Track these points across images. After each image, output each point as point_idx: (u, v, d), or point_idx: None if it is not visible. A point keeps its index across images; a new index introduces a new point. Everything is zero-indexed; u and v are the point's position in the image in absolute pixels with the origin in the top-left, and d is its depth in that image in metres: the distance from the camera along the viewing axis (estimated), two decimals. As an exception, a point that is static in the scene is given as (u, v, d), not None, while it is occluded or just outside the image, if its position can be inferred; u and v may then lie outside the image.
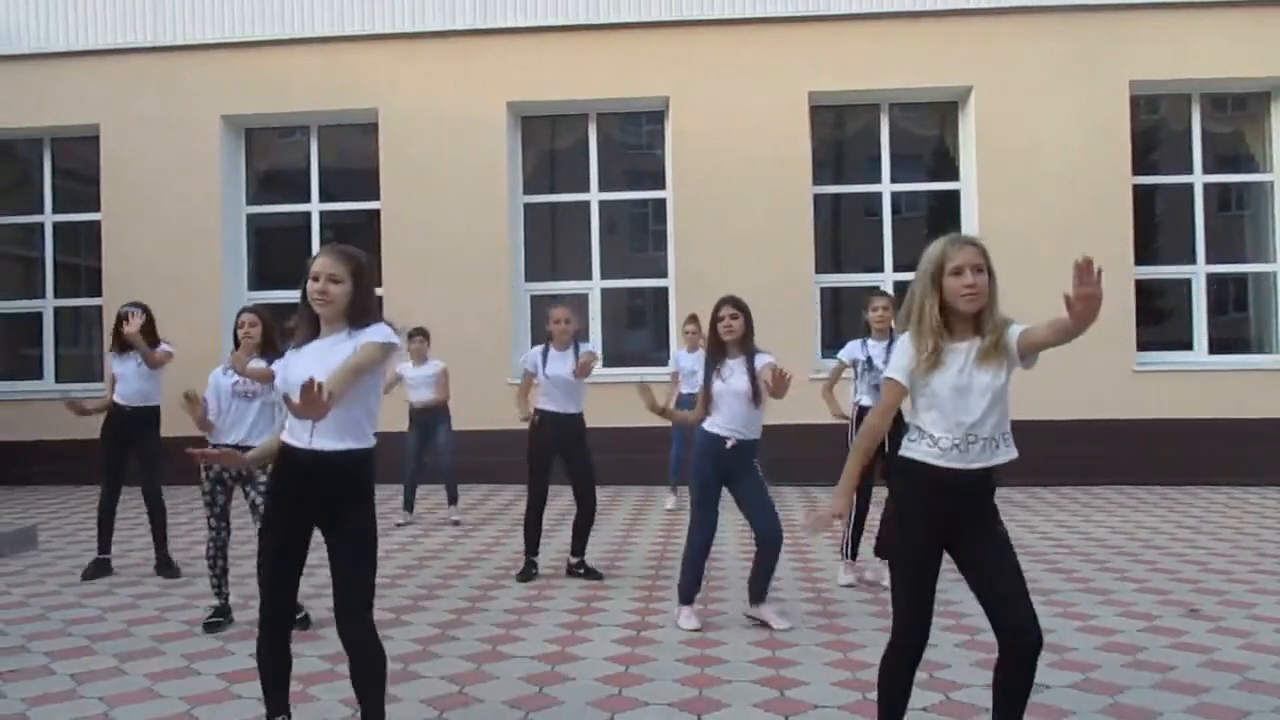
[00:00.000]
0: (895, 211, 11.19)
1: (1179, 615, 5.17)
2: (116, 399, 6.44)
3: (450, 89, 10.93)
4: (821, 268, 10.95)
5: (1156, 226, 11.11)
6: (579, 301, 11.04)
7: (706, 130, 10.75)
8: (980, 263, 2.81)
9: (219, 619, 5.09)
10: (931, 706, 3.81)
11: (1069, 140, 10.46)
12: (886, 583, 3.44)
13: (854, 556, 6.03)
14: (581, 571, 6.20)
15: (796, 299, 10.50)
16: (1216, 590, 5.72)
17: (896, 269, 10.98)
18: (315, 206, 11.66)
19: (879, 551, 5.78)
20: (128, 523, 7.80)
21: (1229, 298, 11.23)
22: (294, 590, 3.27)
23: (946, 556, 2.93)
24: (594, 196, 11.38)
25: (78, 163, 11.90)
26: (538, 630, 5.00)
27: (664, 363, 11.02)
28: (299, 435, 3.06)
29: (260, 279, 11.76)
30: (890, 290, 10.45)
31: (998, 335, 2.81)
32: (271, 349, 5.15)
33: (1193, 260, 10.88)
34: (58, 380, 11.77)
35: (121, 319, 6.30)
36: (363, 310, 3.13)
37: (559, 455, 6.20)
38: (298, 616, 4.90)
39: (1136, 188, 10.61)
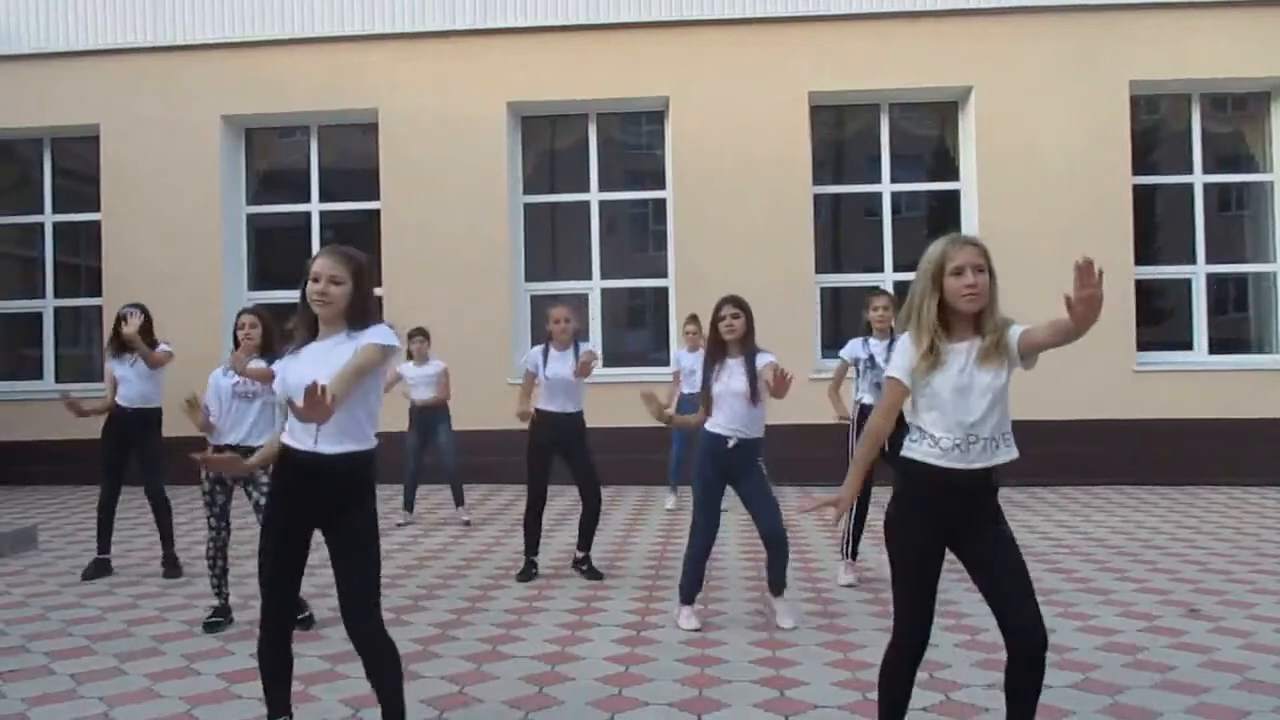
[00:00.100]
0: (895, 211, 11.19)
1: (1179, 615, 5.17)
2: (118, 400, 6.44)
3: (450, 89, 10.94)
4: (821, 268, 10.95)
5: (1156, 226, 11.11)
6: (579, 301, 11.05)
7: (706, 130, 10.75)
8: (981, 263, 2.82)
9: (219, 619, 5.10)
10: (932, 707, 3.81)
11: (1069, 140, 10.46)
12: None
13: (854, 556, 6.03)
14: (584, 568, 6.20)
15: (796, 299, 10.50)
16: (1216, 590, 5.72)
17: (896, 269, 10.98)
18: (315, 206, 11.66)
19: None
20: (127, 523, 7.82)
21: (1229, 298, 11.23)
22: (295, 590, 3.27)
23: (951, 557, 2.93)
24: (594, 196, 11.38)
25: (78, 163, 11.90)
26: (538, 630, 5.00)
27: (664, 363, 11.03)
28: (301, 438, 3.05)
29: (260, 279, 11.75)
30: (890, 290, 10.47)
31: (998, 335, 2.81)
32: (271, 350, 5.15)
33: (1193, 260, 10.88)
34: (58, 380, 11.76)
35: (120, 320, 6.30)
36: (363, 311, 3.13)
37: (559, 455, 6.20)
38: (301, 616, 4.91)
39: (1136, 188, 10.61)
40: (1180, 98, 10.99)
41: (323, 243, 11.57)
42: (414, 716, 3.79)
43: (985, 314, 2.84)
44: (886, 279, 10.91)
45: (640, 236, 11.91)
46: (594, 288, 11.32)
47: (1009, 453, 2.87)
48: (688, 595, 5.09)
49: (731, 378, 4.98)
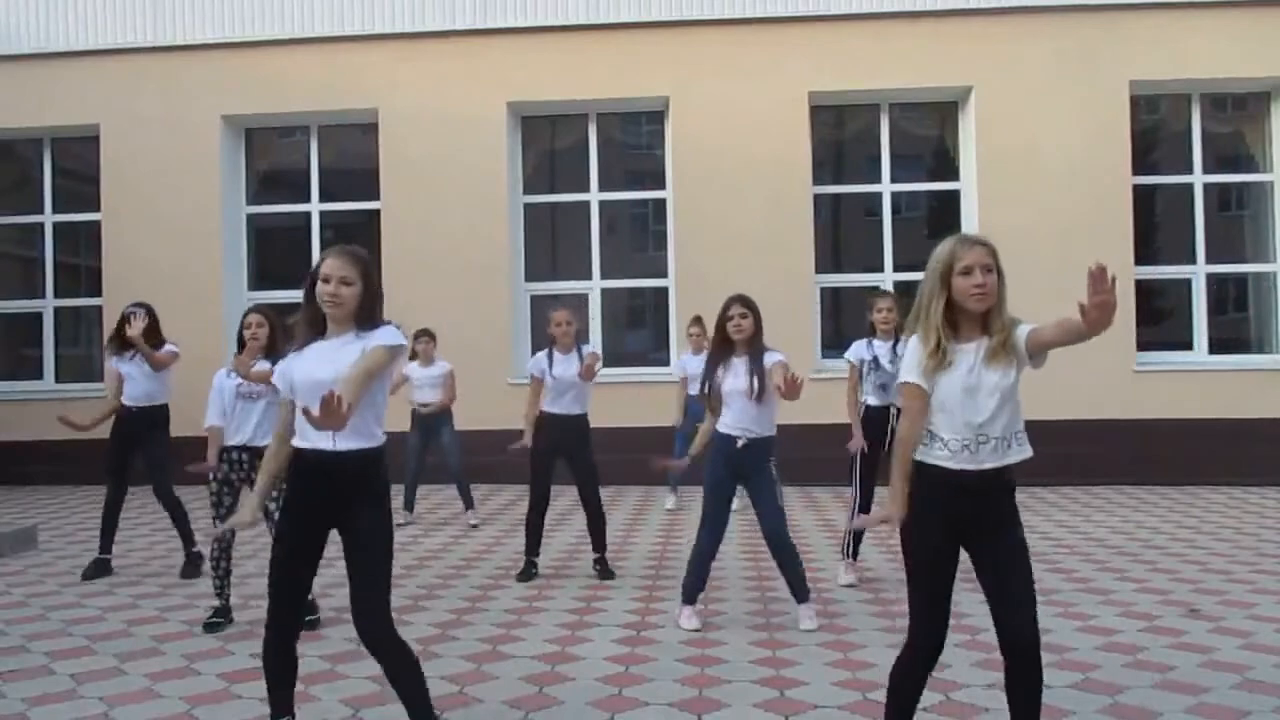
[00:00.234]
0: (895, 211, 11.19)
1: (1179, 615, 5.17)
2: (124, 400, 6.44)
3: (450, 89, 10.94)
4: (821, 268, 10.95)
5: (1156, 226, 11.11)
6: (579, 302, 11.05)
7: (706, 130, 10.75)
8: (989, 263, 2.81)
9: (219, 619, 5.10)
10: (932, 707, 3.81)
11: (1069, 140, 10.46)
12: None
13: (855, 556, 6.03)
14: (598, 568, 6.22)
15: (796, 299, 10.50)
16: (1216, 590, 5.72)
17: (896, 269, 10.99)
18: (315, 206, 11.66)
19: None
20: (128, 522, 7.81)
21: (1229, 298, 11.23)
22: (305, 593, 3.25)
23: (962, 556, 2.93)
24: (594, 196, 11.38)
25: (78, 163, 11.90)
26: (538, 630, 5.00)
27: (664, 363, 11.04)
28: (314, 439, 3.04)
29: (260, 279, 11.75)
30: (891, 289, 10.47)
31: (1005, 335, 2.81)
32: (275, 349, 5.12)
33: (1193, 260, 10.88)
34: (58, 380, 11.78)
35: (124, 319, 6.29)
36: (371, 312, 3.15)
37: (563, 457, 6.20)
38: (310, 618, 4.90)
39: (1136, 188, 10.61)
40: (1180, 98, 10.99)
41: (323, 243, 11.57)
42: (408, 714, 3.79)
43: (993, 314, 2.84)
44: (886, 279, 10.92)
45: (640, 236, 11.91)
46: (594, 288, 11.32)
47: (1021, 452, 2.87)
48: (689, 595, 5.09)
49: (736, 377, 4.97)
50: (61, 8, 11.40)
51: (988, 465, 2.82)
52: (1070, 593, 5.68)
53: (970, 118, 10.77)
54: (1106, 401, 10.13)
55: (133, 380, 6.38)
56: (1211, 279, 10.92)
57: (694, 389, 8.28)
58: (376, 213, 11.18)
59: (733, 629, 4.98)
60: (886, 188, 11.16)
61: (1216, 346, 10.83)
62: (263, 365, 5.05)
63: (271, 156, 12.04)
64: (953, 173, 11.10)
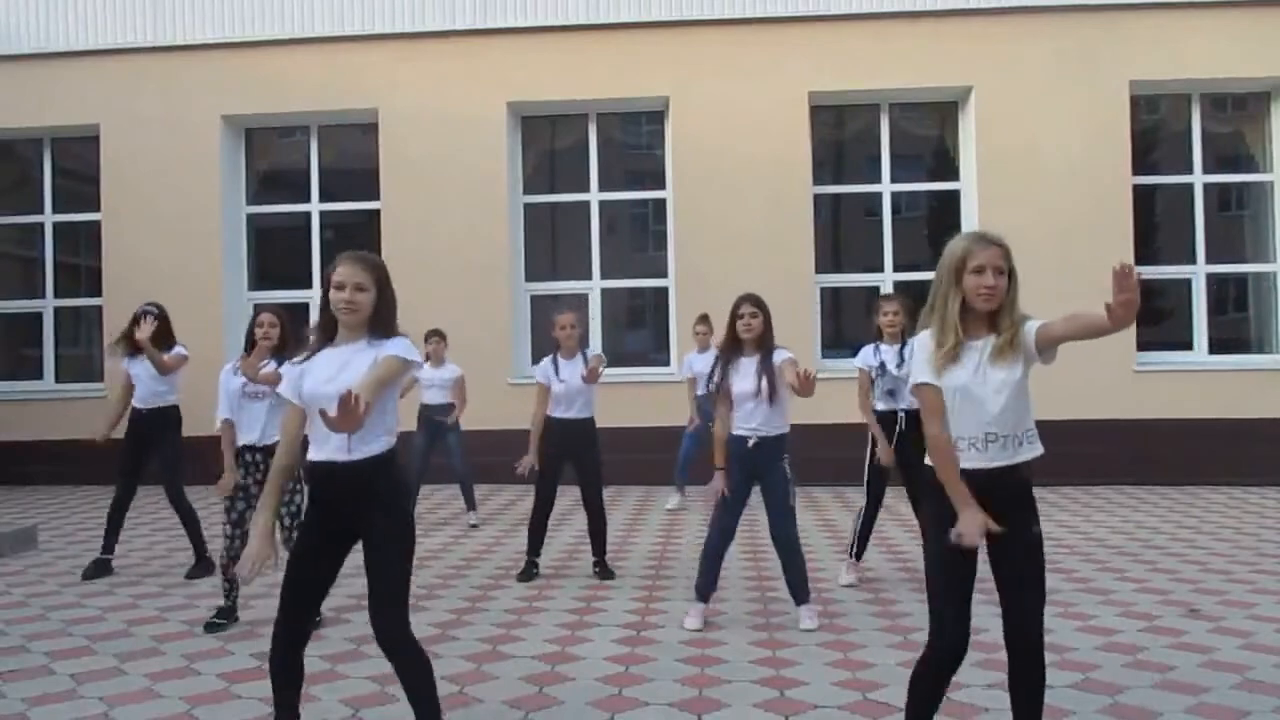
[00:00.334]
0: (895, 211, 11.19)
1: (1179, 615, 5.17)
2: (134, 402, 6.45)
3: (450, 89, 10.94)
4: (821, 268, 10.95)
5: (1156, 226, 11.11)
6: (579, 302, 11.05)
7: (706, 130, 10.75)
8: (1002, 264, 2.81)
9: (222, 620, 5.08)
10: (931, 706, 3.80)
11: (1069, 140, 10.46)
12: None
13: (858, 557, 6.02)
14: (598, 570, 6.22)
15: (796, 299, 10.49)
16: (1216, 590, 5.72)
17: (896, 269, 10.99)
18: (315, 206, 11.66)
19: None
20: (129, 522, 7.78)
21: (1229, 298, 11.23)
22: (316, 604, 3.23)
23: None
24: (594, 196, 11.38)
25: (78, 163, 11.90)
26: (538, 630, 5.00)
27: (664, 363, 11.04)
28: (330, 451, 3.04)
29: (260, 279, 11.75)
30: (891, 289, 10.48)
31: (1013, 332, 2.81)
32: (283, 350, 5.11)
33: (1193, 260, 10.88)
34: (58, 380, 11.77)
35: (135, 320, 6.28)
36: (386, 320, 3.14)
37: (570, 460, 6.20)
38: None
39: (1136, 188, 10.61)
40: (1180, 98, 10.99)
41: (323, 243, 11.58)
42: (414, 716, 3.80)
43: (1002, 312, 2.84)
44: (886, 279, 10.92)
45: (640, 236, 11.91)
46: (594, 288, 11.32)
47: (1032, 450, 2.86)
48: (701, 593, 5.08)
49: (744, 378, 4.97)
50: (61, 8, 11.40)
51: (998, 464, 2.82)
52: (1070, 593, 5.68)
53: (970, 118, 10.77)
54: (1106, 401, 10.13)
55: (140, 381, 6.40)
56: (1211, 279, 10.92)
57: (701, 388, 8.31)
58: (376, 213, 11.18)
59: (733, 629, 4.98)
60: (886, 188, 11.15)
61: (1216, 346, 10.83)
62: (270, 367, 5.05)
63: (271, 156, 12.04)
64: (953, 173, 11.10)
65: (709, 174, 10.73)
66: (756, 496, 5.21)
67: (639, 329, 11.74)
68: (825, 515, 8.57)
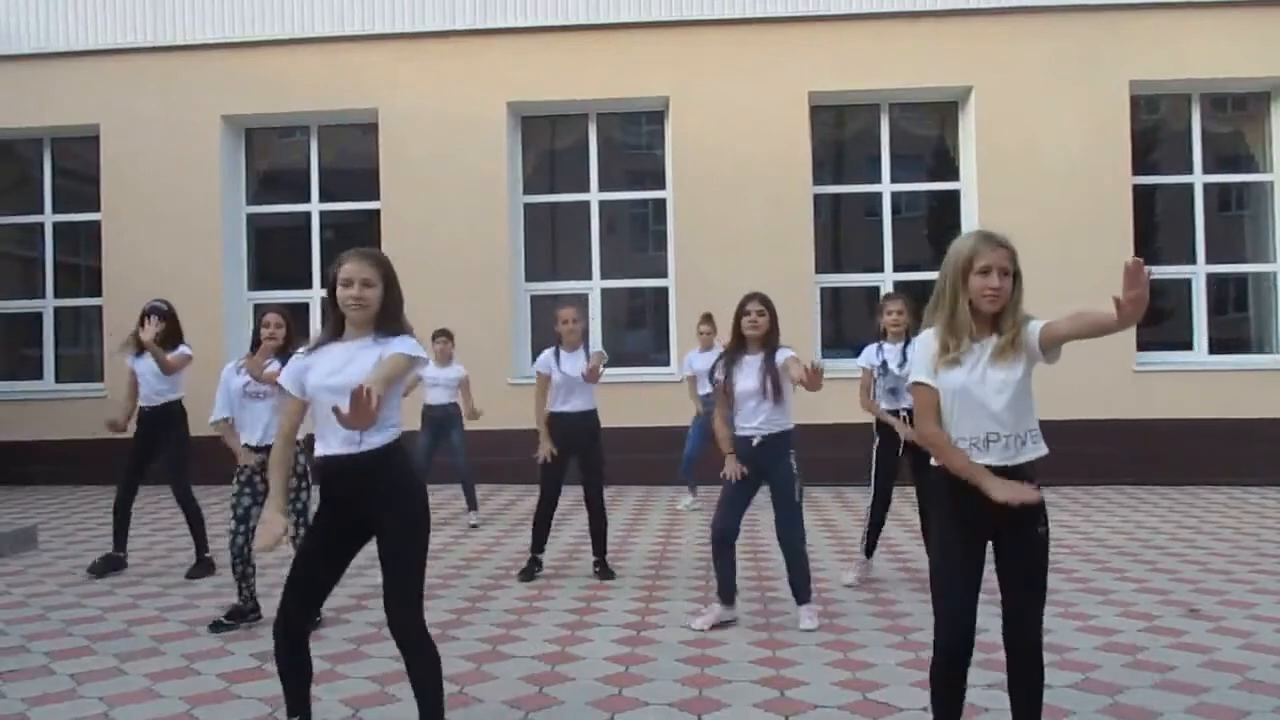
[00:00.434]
0: (895, 211, 11.19)
1: (1179, 615, 5.17)
2: (140, 400, 6.46)
3: (450, 89, 10.94)
4: (821, 268, 10.95)
5: (1156, 226, 11.11)
6: (579, 302, 11.05)
7: (706, 130, 10.75)
8: (1008, 266, 2.81)
9: (231, 621, 5.04)
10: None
11: (1069, 140, 10.46)
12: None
13: (869, 554, 6.01)
14: (598, 570, 6.22)
15: (796, 299, 10.47)
16: (1216, 590, 5.72)
17: (896, 269, 10.99)
18: (315, 206, 11.66)
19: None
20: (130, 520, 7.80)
21: (1229, 298, 11.24)
22: (319, 598, 3.22)
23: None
24: (594, 196, 11.38)
25: (78, 163, 11.90)
26: (538, 630, 5.00)
27: (665, 363, 11.04)
28: (338, 445, 3.04)
29: (260, 279, 11.76)
30: (891, 289, 10.47)
31: (1015, 333, 2.80)
32: (289, 351, 5.12)
33: (1193, 260, 10.88)
34: (58, 380, 11.77)
35: (143, 318, 6.29)
36: (394, 316, 3.14)
37: (574, 455, 6.19)
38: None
39: (1136, 188, 10.61)
40: (1180, 98, 10.99)
41: (323, 243, 11.58)
42: (414, 715, 3.79)
43: (1005, 313, 2.84)
44: (886, 279, 10.92)
45: (640, 236, 11.91)
46: (594, 288, 11.32)
47: (1035, 450, 2.86)
48: (726, 594, 5.05)
49: (747, 377, 4.98)
50: (61, 8, 11.40)
51: (999, 464, 2.81)
52: (1070, 593, 5.68)
53: (970, 118, 10.77)
54: (1106, 401, 10.12)
55: (144, 380, 6.42)
56: (1211, 279, 10.92)
57: (703, 387, 8.30)
58: (376, 213, 11.18)
59: (733, 629, 4.97)
60: (886, 188, 11.15)
61: (1216, 346, 10.83)
62: (274, 366, 5.05)
63: (271, 156, 12.04)
64: (953, 173, 11.10)
65: (709, 174, 10.73)
66: (758, 496, 5.20)
67: (639, 329, 11.74)
68: (825, 515, 8.57)
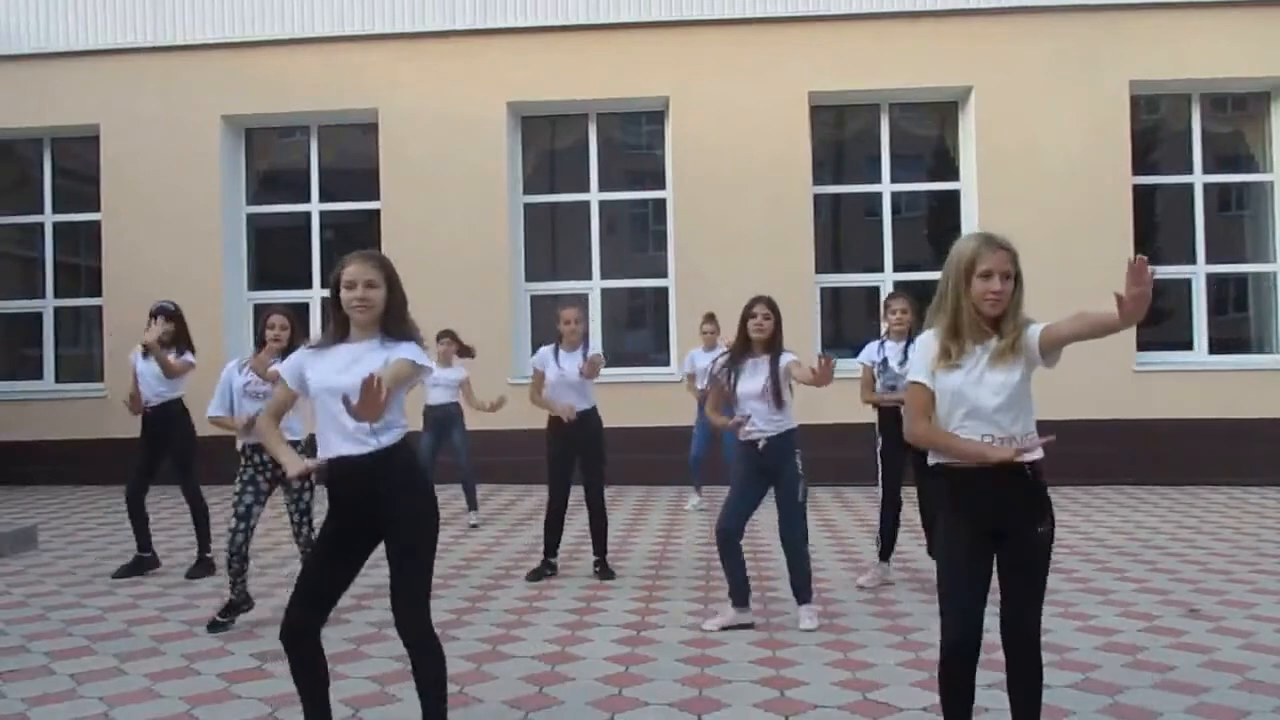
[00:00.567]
0: (895, 211, 11.19)
1: (1179, 615, 5.17)
2: (144, 401, 6.47)
3: (450, 89, 10.94)
4: (821, 268, 10.95)
5: (1156, 226, 11.11)
6: (580, 302, 11.04)
7: (706, 130, 10.75)
8: (1009, 269, 2.81)
9: (225, 619, 5.06)
10: (932, 706, 3.80)
11: (1069, 140, 10.46)
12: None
13: (884, 557, 5.98)
14: (598, 570, 6.21)
15: (796, 299, 10.46)
16: (1216, 590, 5.72)
17: (896, 269, 10.99)
18: (315, 206, 11.66)
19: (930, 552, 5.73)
20: (128, 522, 7.79)
21: (1229, 298, 11.24)
22: (326, 603, 3.19)
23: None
24: (594, 196, 11.37)
25: (78, 163, 11.90)
26: (538, 630, 5.00)
27: (665, 363, 11.04)
28: (344, 446, 3.04)
29: (260, 279, 11.76)
30: (891, 289, 10.47)
31: (1015, 336, 2.80)
32: (290, 352, 5.12)
33: (1193, 260, 10.88)
34: (58, 380, 11.77)
35: (151, 318, 6.28)
36: (399, 318, 3.15)
37: (578, 454, 6.19)
38: None
39: (1136, 188, 10.61)
40: (1180, 98, 10.99)
41: (323, 243, 11.58)
42: (413, 716, 3.79)
43: (1006, 317, 2.83)
44: (886, 279, 10.91)
45: (640, 236, 11.91)
46: (594, 288, 11.32)
47: (1033, 453, 2.85)
48: (739, 597, 5.02)
49: (749, 380, 4.98)
50: (61, 8, 11.40)
51: (998, 465, 2.81)
52: (1070, 593, 5.69)
53: (970, 118, 10.77)
54: (1107, 401, 10.12)
55: (145, 380, 6.43)
56: (1211, 279, 10.92)
57: (701, 384, 8.30)
58: (376, 213, 11.18)
59: (733, 629, 4.97)
60: (886, 188, 11.15)
61: (1216, 346, 10.83)
62: (277, 366, 5.05)
63: (271, 156, 12.04)
64: (953, 173, 11.10)
65: (709, 174, 10.73)
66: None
67: (639, 329, 11.74)
68: (825, 515, 8.57)
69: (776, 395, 4.95)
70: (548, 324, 6.42)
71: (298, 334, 5.25)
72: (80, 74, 11.30)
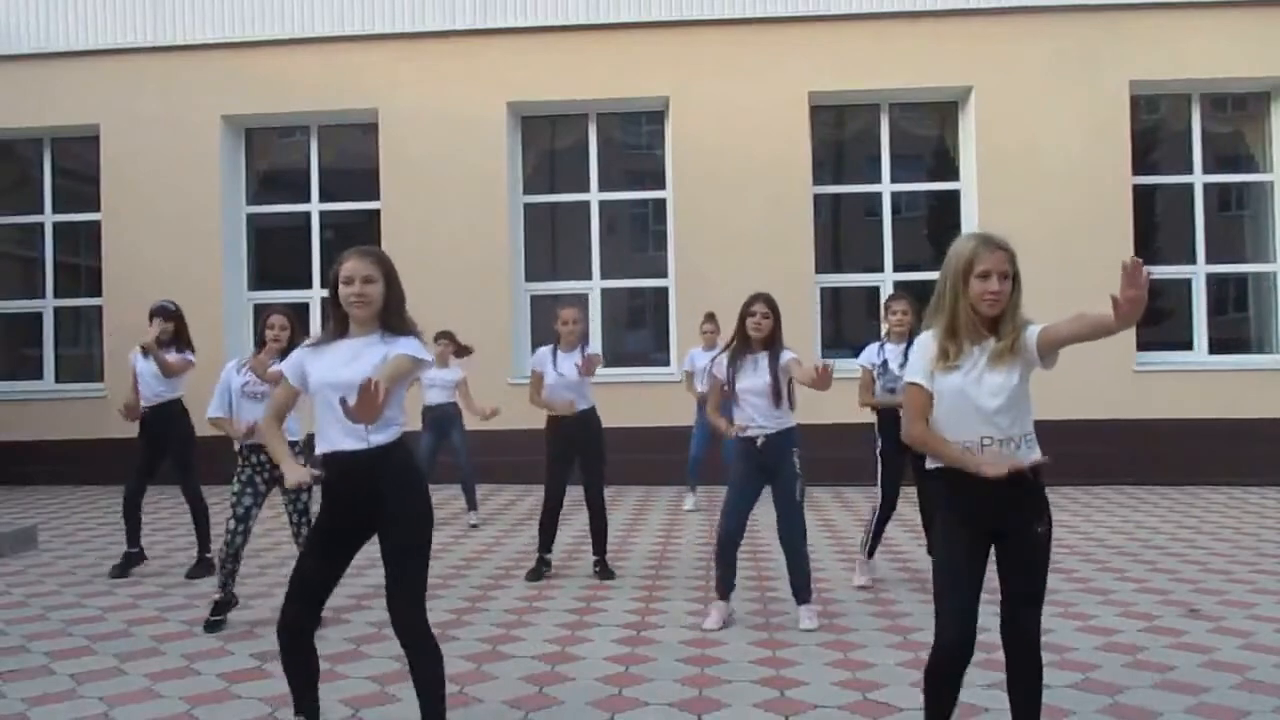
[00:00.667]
0: (895, 211, 11.19)
1: (1179, 615, 5.17)
2: (141, 402, 6.48)
3: (450, 89, 10.94)
4: (821, 268, 10.95)
5: (1156, 226, 11.11)
6: (580, 302, 11.04)
7: (706, 130, 10.75)
8: (1007, 269, 2.80)
9: (219, 618, 5.07)
10: (931, 706, 3.80)
11: (1069, 140, 10.46)
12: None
13: (870, 554, 6.00)
14: (598, 570, 6.21)
15: (796, 299, 10.45)
16: (1216, 590, 5.72)
17: (896, 269, 10.99)
18: (315, 206, 11.66)
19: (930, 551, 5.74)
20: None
21: (1229, 298, 11.24)
22: (320, 597, 3.21)
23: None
24: (594, 196, 11.37)
25: (78, 163, 11.90)
26: (538, 630, 5.00)
27: (664, 363, 11.04)
28: (343, 442, 3.04)
29: (260, 279, 11.76)
30: (891, 289, 10.47)
31: (1014, 337, 2.79)
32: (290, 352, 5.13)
33: (1193, 260, 10.88)
34: (58, 380, 11.77)
35: (151, 317, 6.28)
36: (398, 313, 3.15)
37: (577, 454, 6.19)
38: None
39: (1136, 188, 10.61)
40: (1180, 98, 10.99)
41: (323, 243, 11.58)
42: (413, 716, 3.79)
43: (1004, 317, 2.82)
44: (886, 279, 10.91)
45: (640, 236, 11.91)
46: (594, 288, 11.32)
47: (1030, 454, 2.84)
48: (723, 589, 5.06)
49: (749, 376, 4.98)
50: (61, 8, 11.40)
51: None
52: (1070, 593, 5.69)
53: (970, 118, 10.77)
54: (1106, 401, 10.12)
55: (144, 380, 6.43)
56: (1211, 279, 10.92)
57: (700, 384, 8.31)
58: (376, 213, 11.18)
59: (733, 629, 4.97)
60: (886, 188, 11.15)
61: (1216, 346, 10.83)
62: (277, 366, 5.06)
63: (271, 156, 12.04)
64: (953, 173, 11.10)
65: (709, 174, 10.73)
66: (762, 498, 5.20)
67: (639, 329, 11.74)
68: (825, 515, 8.57)
69: (776, 392, 4.95)
70: (548, 324, 6.41)
71: (298, 334, 5.25)
72: (80, 74, 11.31)
